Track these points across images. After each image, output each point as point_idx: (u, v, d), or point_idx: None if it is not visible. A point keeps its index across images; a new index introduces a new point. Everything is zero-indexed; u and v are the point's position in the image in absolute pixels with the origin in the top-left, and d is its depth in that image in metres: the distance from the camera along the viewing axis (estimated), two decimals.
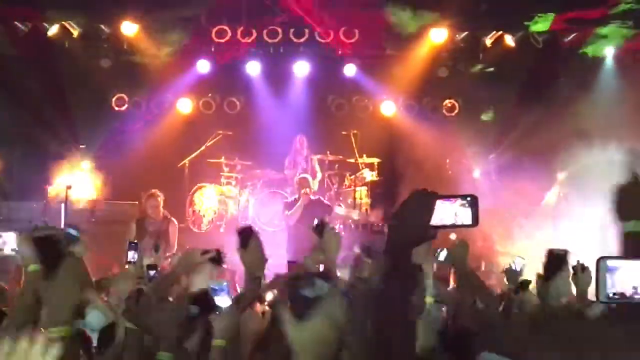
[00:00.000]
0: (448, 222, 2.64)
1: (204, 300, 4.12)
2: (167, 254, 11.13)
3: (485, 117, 16.63)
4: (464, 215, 2.64)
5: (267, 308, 5.66)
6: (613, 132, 14.14)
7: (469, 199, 2.65)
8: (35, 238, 3.04)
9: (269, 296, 4.80)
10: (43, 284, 2.83)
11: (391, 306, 2.60)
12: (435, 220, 2.61)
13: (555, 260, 3.44)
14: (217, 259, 4.94)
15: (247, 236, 4.42)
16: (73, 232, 5.44)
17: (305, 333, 2.72)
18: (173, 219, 12.12)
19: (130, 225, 12.01)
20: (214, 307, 4.19)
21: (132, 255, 7.31)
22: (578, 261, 5.69)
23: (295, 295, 2.83)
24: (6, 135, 14.74)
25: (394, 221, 2.59)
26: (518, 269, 7.30)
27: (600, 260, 3.16)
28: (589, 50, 15.93)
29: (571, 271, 5.40)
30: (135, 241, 7.72)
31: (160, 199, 12.00)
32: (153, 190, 12.16)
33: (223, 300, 5.52)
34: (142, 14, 15.37)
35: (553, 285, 3.35)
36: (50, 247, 2.92)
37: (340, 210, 14.67)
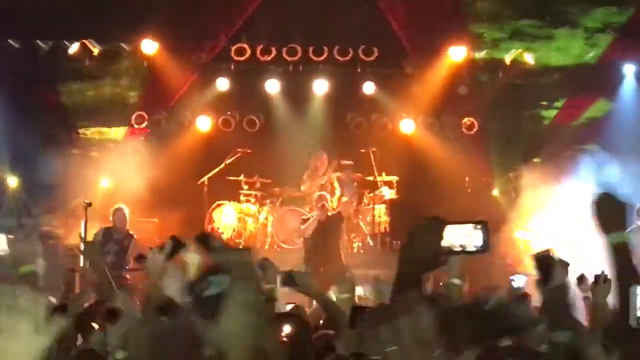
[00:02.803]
0: (459, 248, 2.62)
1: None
2: (129, 267, 12.13)
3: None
4: (475, 241, 2.62)
5: None
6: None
7: (479, 225, 2.62)
8: None
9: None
10: None
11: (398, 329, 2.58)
12: (446, 245, 2.59)
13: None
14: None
15: None
16: None
17: (220, 330, 2.65)
18: (134, 235, 12.81)
19: (98, 230, 12.70)
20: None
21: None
22: (602, 271, 5.62)
23: (198, 298, 2.78)
24: (24, 153, 14.81)
25: (404, 248, 2.58)
26: (520, 286, 7.40)
27: (632, 287, 3.14)
28: None
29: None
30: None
31: (127, 212, 12.85)
32: (120, 206, 12.88)
33: None
34: (162, 32, 15.48)
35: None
36: None
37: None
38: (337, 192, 15.23)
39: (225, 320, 2.59)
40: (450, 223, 2.60)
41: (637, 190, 13.28)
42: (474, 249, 2.62)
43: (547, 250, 3.42)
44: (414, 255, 2.55)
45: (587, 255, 12.34)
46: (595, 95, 16.10)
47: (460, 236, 2.60)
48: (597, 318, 5.66)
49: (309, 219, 13.69)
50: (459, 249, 2.61)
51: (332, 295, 8.45)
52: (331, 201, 14.18)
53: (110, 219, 12.79)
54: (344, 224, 14.30)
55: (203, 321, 2.69)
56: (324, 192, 14.03)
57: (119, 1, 15.53)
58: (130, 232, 12.80)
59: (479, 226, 2.62)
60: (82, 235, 12.58)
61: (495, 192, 16.11)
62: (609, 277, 5.57)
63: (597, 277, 5.61)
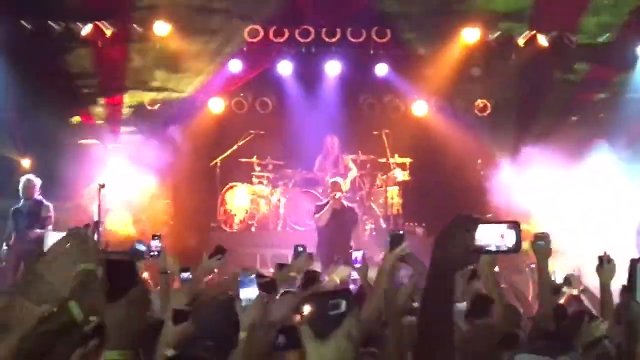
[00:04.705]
0: (491, 247, 2.63)
1: (291, 332, 3.98)
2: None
3: None
4: (507, 241, 2.63)
5: None
6: None
7: (512, 224, 2.64)
8: (108, 261, 2.97)
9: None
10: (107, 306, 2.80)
11: (432, 328, 2.60)
12: (479, 244, 2.60)
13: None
14: None
15: None
16: (141, 247, 5.40)
17: (326, 352, 2.70)
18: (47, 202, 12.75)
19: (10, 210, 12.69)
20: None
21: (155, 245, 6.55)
22: (605, 252, 5.73)
23: (320, 314, 2.78)
24: (41, 136, 14.81)
25: (436, 246, 2.59)
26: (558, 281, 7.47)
27: (637, 262, 3.14)
28: None
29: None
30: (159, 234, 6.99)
31: (37, 182, 12.75)
32: (27, 177, 12.86)
33: (252, 292, 5.29)
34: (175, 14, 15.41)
35: None
36: (121, 273, 2.85)
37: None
38: (352, 174, 15.27)
39: (334, 344, 2.65)
40: (483, 222, 2.61)
41: None
42: (506, 249, 2.64)
43: None
44: (446, 254, 2.56)
45: (595, 239, 12.44)
46: (610, 76, 16.02)
47: (492, 235, 2.62)
48: (605, 298, 5.77)
49: (323, 205, 13.48)
50: (493, 248, 2.63)
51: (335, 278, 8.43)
52: (344, 185, 14.03)
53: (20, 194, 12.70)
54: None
55: (314, 339, 2.69)
56: (337, 179, 13.83)
57: None
58: (40, 199, 12.67)
59: (512, 226, 2.63)
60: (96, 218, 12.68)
61: (507, 173, 16.05)
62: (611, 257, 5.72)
63: (600, 258, 5.73)
